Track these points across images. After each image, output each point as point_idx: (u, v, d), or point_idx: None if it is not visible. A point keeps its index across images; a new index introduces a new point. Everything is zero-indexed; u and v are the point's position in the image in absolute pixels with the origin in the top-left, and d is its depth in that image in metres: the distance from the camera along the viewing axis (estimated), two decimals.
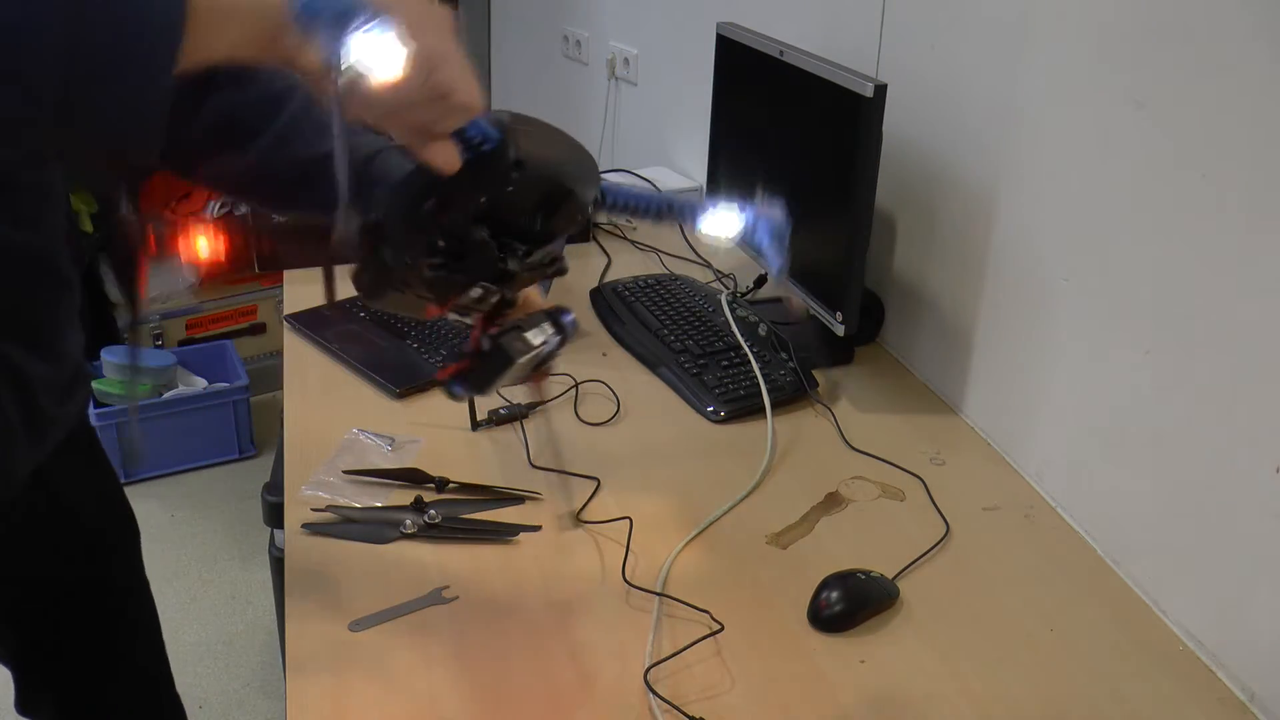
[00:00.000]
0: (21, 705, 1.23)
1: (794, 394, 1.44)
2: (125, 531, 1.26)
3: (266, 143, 0.92)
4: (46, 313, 1.00)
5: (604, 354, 1.56)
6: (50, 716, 1.25)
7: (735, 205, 0.89)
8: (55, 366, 1.01)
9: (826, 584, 1.07)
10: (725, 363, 1.47)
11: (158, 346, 2.98)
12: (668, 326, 1.56)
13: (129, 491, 1.28)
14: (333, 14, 0.61)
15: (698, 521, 1.19)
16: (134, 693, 1.32)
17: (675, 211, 0.87)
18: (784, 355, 1.48)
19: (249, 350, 3.08)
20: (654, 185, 2.10)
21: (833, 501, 1.24)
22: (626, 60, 2.44)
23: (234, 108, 0.92)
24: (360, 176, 0.89)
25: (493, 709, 0.94)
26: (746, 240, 0.90)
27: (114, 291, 2.78)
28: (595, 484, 1.24)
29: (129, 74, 0.58)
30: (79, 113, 0.57)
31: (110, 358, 2.68)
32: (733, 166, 1.73)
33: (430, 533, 1.15)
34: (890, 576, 1.10)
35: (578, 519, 1.19)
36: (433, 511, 1.17)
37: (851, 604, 1.05)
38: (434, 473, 1.23)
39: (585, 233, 1.95)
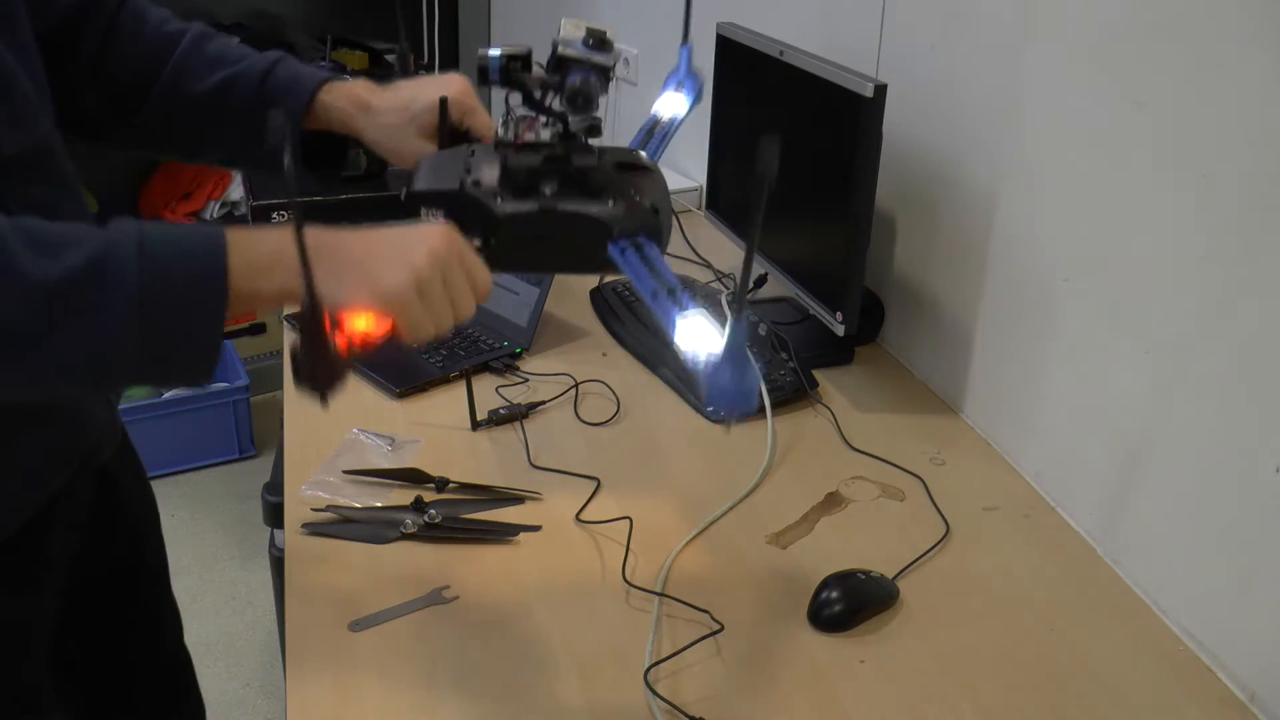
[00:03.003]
0: (53, 693, 1.23)
1: (794, 394, 1.44)
2: (155, 515, 1.27)
3: (161, 89, 0.98)
4: None
5: (604, 354, 1.56)
6: (80, 703, 1.25)
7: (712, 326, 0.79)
8: None
9: (826, 584, 1.07)
10: None
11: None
12: None
13: None
14: None
15: (698, 521, 1.19)
16: (161, 679, 1.32)
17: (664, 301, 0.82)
18: (784, 355, 1.48)
19: (249, 350, 3.08)
20: None
21: (833, 501, 1.24)
22: (626, 60, 2.43)
23: (126, 63, 0.98)
24: (260, 91, 0.99)
25: (493, 709, 0.94)
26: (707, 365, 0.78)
27: None
28: (595, 484, 1.24)
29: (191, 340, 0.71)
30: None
31: None
32: (733, 167, 1.73)
33: (430, 533, 1.15)
34: (890, 576, 1.10)
35: (578, 519, 1.19)
36: (433, 511, 1.17)
37: (851, 604, 1.05)
38: (434, 473, 1.23)
39: None
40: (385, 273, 0.76)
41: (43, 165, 0.89)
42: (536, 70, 0.92)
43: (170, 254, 0.70)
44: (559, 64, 0.89)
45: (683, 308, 0.80)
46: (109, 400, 1.11)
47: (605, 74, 0.87)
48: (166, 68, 1.01)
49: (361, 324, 0.76)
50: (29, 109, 0.86)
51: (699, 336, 0.78)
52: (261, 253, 0.73)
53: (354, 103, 1.04)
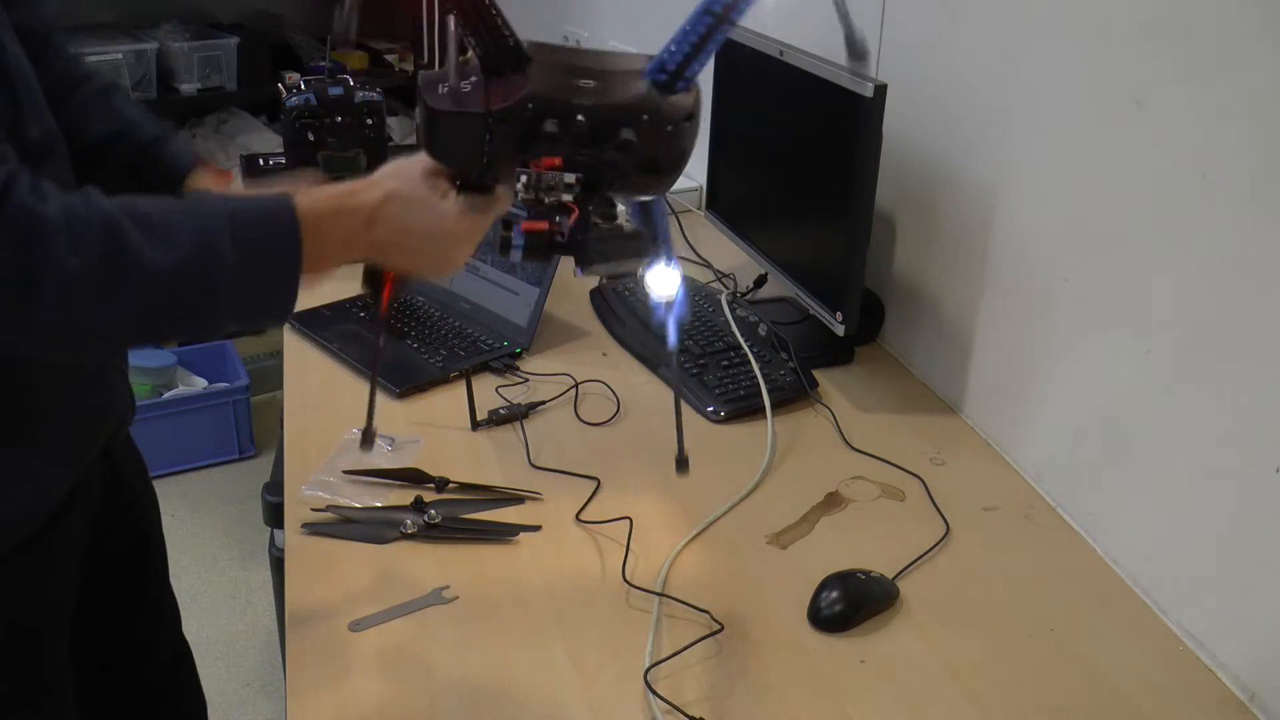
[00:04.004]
0: None
1: (794, 394, 1.44)
2: (156, 512, 1.28)
3: (67, 113, 1.02)
4: None
5: (604, 354, 1.56)
6: (86, 696, 1.25)
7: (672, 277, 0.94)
8: None
9: (826, 584, 1.07)
10: (725, 363, 1.47)
11: (158, 346, 2.98)
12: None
13: None
14: None
15: (698, 521, 1.19)
16: (163, 671, 1.32)
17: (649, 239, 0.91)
18: (784, 355, 1.48)
19: (249, 350, 3.08)
20: None
21: (833, 501, 1.24)
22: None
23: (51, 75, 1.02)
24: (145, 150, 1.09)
25: (493, 709, 0.94)
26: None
27: None
28: (595, 484, 1.24)
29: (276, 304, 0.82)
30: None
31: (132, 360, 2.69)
32: (733, 167, 1.73)
33: (430, 533, 1.15)
34: (890, 576, 1.10)
35: (578, 519, 1.19)
36: (433, 511, 1.17)
37: (851, 604, 1.05)
38: (434, 473, 1.23)
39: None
40: (430, 269, 0.90)
41: (54, 153, 0.92)
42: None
43: (256, 238, 0.79)
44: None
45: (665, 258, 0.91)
46: (124, 372, 1.14)
47: None
48: (73, 97, 1.08)
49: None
50: (39, 97, 0.90)
51: (662, 283, 0.93)
52: (334, 239, 0.84)
53: None
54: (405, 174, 0.86)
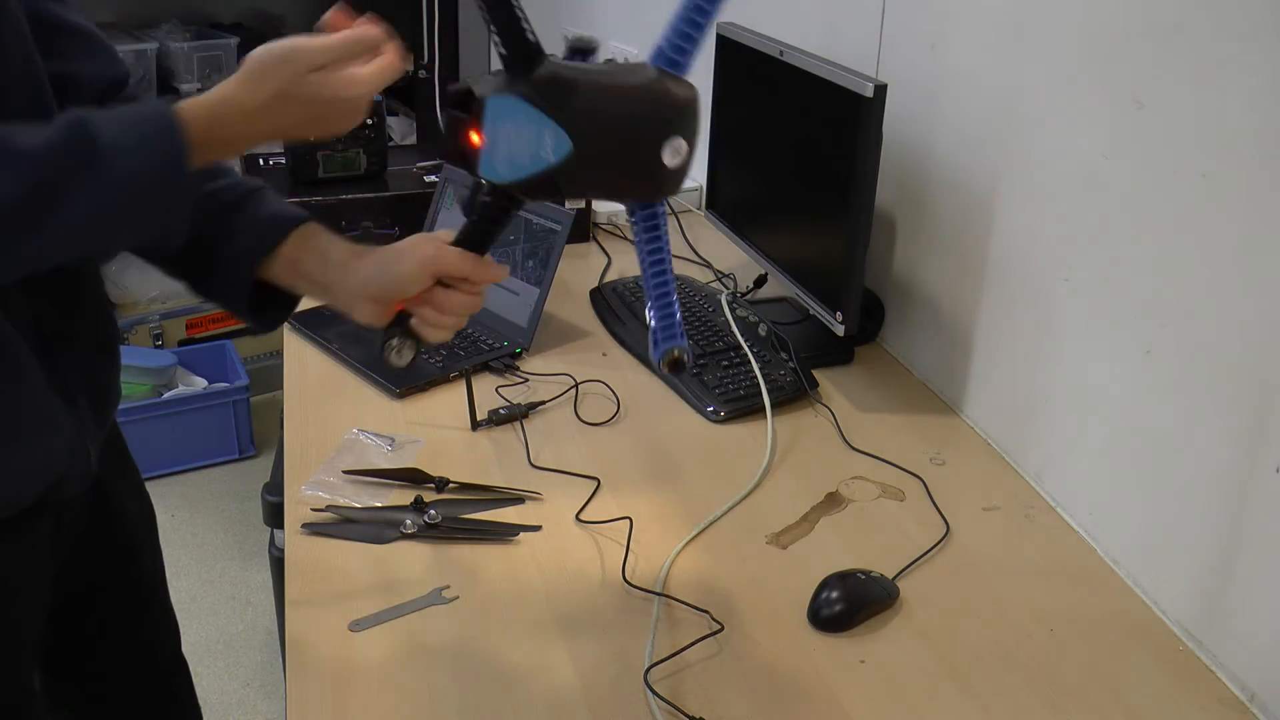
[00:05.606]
0: (46, 699, 1.23)
1: (794, 394, 1.44)
2: (151, 528, 1.27)
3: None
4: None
5: (604, 354, 1.56)
6: (74, 712, 1.25)
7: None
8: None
9: (826, 584, 1.07)
10: (725, 363, 1.47)
11: (158, 346, 2.98)
12: None
13: None
14: None
15: (698, 521, 1.19)
16: (155, 689, 1.32)
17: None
18: (784, 355, 1.48)
19: (249, 350, 3.08)
20: None
21: (833, 501, 1.24)
22: (627, 60, 2.43)
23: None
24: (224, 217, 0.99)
25: (493, 709, 0.94)
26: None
27: (113, 291, 2.79)
28: (595, 484, 1.24)
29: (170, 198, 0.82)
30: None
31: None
32: (733, 167, 1.73)
33: (430, 533, 1.15)
34: (890, 576, 1.10)
35: (578, 519, 1.19)
36: (433, 511, 1.17)
37: (851, 604, 1.05)
38: (434, 473, 1.23)
39: (585, 232, 1.95)
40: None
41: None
42: None
43: (128, 115, 0.79)
44: None
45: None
46: (76, 433, 0.99)
47: None
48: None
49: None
50: (33, 81, 0.89)
51: None
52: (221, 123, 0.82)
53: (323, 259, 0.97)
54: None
